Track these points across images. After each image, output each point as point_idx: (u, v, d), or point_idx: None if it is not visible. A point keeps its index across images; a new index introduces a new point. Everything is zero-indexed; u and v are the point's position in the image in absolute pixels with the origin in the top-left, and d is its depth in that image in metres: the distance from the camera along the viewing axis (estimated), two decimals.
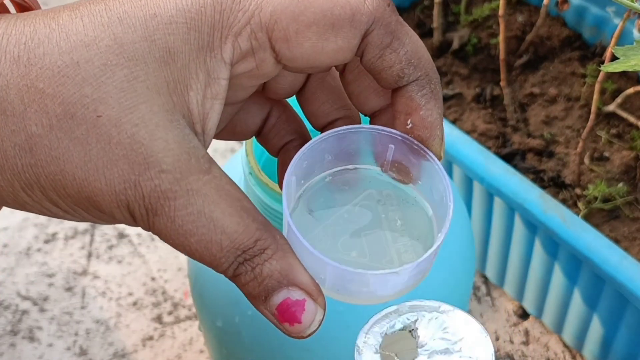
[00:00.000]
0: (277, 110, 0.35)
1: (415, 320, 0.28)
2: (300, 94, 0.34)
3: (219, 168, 0.28)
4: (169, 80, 0.28)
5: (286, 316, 0.28)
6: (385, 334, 0.27)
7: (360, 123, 0.33)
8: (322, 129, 0.34)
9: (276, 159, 0.35)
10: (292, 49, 0.29)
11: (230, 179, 0.28)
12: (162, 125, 0.27)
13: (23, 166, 0.27)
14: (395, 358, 0.27)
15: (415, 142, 0.30)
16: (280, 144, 0.35)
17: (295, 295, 0.27)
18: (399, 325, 0.27)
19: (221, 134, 0.35)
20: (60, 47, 0.27)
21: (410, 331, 0.27)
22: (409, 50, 0.29)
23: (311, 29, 0.28)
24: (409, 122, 0.30)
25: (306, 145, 0.30)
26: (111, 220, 0.28)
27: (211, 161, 0.28)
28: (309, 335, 0.28)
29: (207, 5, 0.28)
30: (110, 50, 0.27)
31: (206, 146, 0.29)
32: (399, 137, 0.30)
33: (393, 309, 0.28)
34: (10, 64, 0.27)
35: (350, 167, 0.32)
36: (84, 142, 0.27)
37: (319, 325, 0.28)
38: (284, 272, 0.27)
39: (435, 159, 0.30)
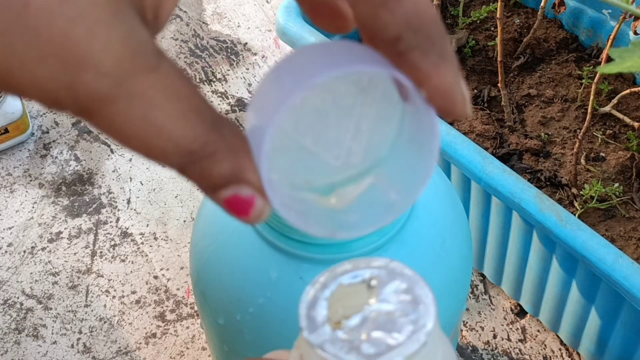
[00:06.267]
0: None
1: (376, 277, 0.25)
2: None
3: (170, 63, 0.24)
4: None
5: (234, 209, 0.26)
6: (341, 284, 0.25)
7: None
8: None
9: None
10: None
11: (182, 74, 0.24)
12: (104, 20, 0.22)
13: None
14: (340, 309, 0.25)
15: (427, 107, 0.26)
16: None
17: (244, 192, 0.25)
18: (358, 279, 0.25)
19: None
20: None
21: (368, 285, 0.25)
22: (409, 10, 0.24)
23: None
24: (423, 93, 0.25)
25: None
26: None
27: (160, 55, 0.24)
28: (258, 223, 0.26)
29: None
30: None
31: (158, 34, 0.25)
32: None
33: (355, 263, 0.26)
34: None
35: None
36: (6, 32, 0.22)
37: (268, 216, 0.26)
38: (234, 172, 0.25)
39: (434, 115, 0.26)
